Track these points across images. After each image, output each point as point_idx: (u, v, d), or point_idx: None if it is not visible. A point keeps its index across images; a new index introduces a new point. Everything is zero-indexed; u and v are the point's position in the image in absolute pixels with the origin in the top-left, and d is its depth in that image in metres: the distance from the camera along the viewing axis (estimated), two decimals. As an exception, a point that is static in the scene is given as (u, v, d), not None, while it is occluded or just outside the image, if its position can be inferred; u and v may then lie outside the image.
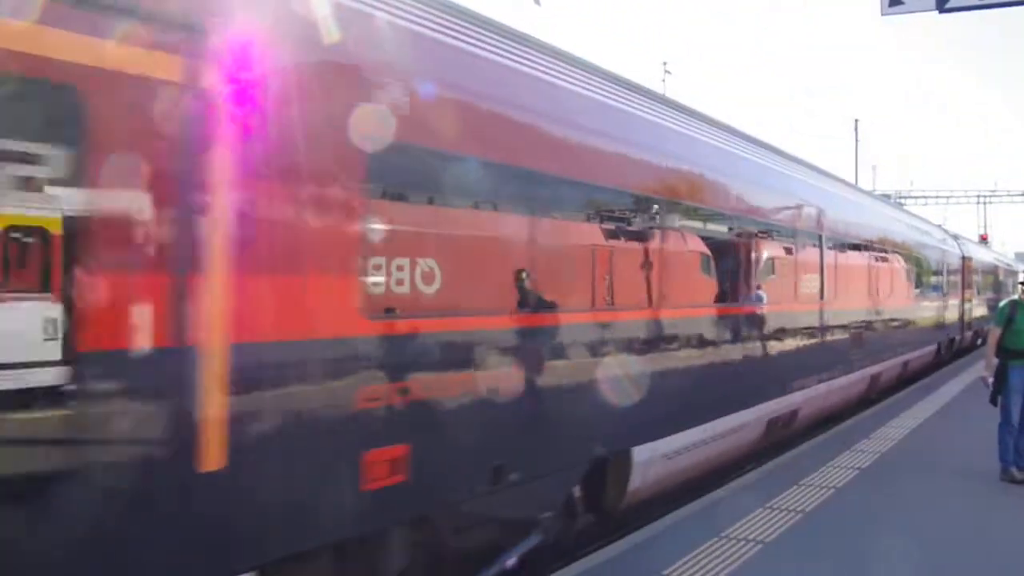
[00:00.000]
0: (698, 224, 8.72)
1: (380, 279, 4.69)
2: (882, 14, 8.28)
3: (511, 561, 5.83)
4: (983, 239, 50.45)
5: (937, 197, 56.90)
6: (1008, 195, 57.37)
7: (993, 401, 8.85)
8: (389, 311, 4.77)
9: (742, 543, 6.41)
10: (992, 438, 8.89)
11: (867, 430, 11.46)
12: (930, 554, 6.30)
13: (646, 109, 7.94)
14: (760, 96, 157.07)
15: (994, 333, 8.90)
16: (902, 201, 46.85)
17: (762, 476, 8.95)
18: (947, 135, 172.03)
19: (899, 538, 6.62)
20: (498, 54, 5.91)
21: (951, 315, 22.19)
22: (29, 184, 3.52)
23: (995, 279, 32.75)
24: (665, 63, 61.85)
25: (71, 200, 3.44)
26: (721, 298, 9.08)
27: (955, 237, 26.19)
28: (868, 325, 14.10)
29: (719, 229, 9.34)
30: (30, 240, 3.47)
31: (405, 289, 4.82)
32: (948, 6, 8.01)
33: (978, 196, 58.15)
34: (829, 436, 11.31)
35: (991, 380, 8.81)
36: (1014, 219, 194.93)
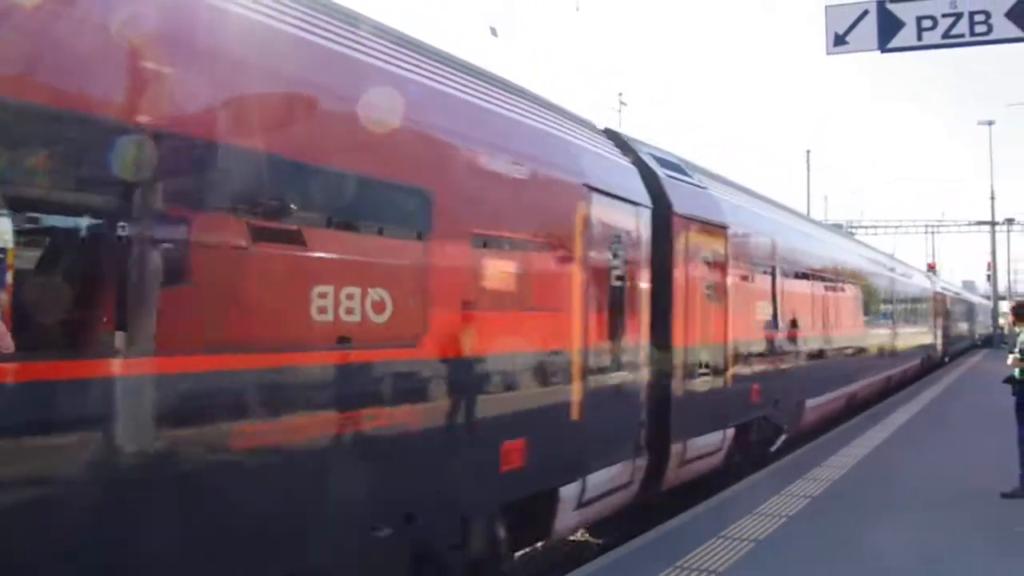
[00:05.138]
0: None
1: None
2: (827, 53, 8.54)
3: None
4: (931, 267, 51.68)
5: (887, 227, 58.40)
6: (955, 224, 59.13)
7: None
8: None
9: (695, 573, 6.46)
10: (936, 466, 9.06)
11: (818, 459, 11.63)
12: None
13: None
14: (715, 127, 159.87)
15: (1015, 360, 9.26)
16: (853, 231, 47.82)
17: (718, 504, 9.03)
18: (896, 166, 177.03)
19: (848, 567, 6.73)
20: None
21: None
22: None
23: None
24: (620, 94, 62.52)
25: None
26: None
27: None
28: None
29: None
30: None
31: None
32: (890, 46, 8.31)
33: (926, 226, 59.84)
34: (784, 464, 11.46)
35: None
36: (961, 249, 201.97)
